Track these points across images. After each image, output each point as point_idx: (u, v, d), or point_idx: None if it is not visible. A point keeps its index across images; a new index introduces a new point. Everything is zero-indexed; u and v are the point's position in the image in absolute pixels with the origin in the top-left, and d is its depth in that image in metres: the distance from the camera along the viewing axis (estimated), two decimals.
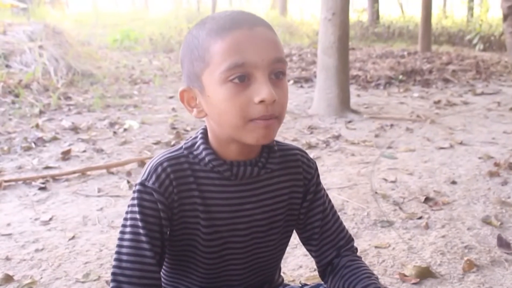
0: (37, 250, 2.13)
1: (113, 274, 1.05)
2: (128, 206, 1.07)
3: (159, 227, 1.05)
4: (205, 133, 1.11)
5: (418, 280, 1.90)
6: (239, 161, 1.08)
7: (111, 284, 1.05)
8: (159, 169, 1.05)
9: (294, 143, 3.69)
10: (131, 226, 1.05)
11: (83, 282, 1.89)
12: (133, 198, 1.06)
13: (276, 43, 1.01)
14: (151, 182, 1.04)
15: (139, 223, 1.04)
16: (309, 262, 2.02)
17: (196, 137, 1.11)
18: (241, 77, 0.96)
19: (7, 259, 2.06)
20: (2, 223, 2.39)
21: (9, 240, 2.23)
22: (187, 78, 1.05)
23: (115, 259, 1.05)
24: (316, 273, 1.92)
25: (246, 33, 0.97)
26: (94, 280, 1.89)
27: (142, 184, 1.05)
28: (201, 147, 1.08)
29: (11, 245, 2.18)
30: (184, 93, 1.07)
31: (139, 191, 1.05)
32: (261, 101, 0.96)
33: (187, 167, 1.08)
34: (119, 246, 1.06)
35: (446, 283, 1.90)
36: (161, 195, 1.04)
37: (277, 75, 1.00)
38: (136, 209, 1.05)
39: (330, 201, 1.24)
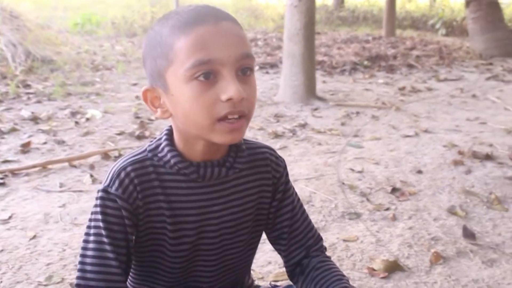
0: None
1: (77, 285, 1.01)
2: (91, 214, 1.03)
3: (124, 235, 1.01)
4: (169, 134, 1.07)
5: (386, 274, 1.90)
6: (206, 162, 1.04)
7: None
8: (122, 174, 1.01)
9: (261, 132, 3.68)
10: (95, 234, 1.01)
11: (45, 285, 1.82)
12: (96, 206, 1.02)
13: (242, 38, 0.96)
14: (114, 188, 1.00)
15: (103, 232, 1.00)
16: (278, 258, 2.00)
17: (160, 139, 1.07)
18: (206, 75, 0.92)
19: None
20: None
21: None
22: (150, 77, 1.01)
23: (79, 270, 1.01)
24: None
25: (211, 29, 0.92)
26: (58, 283, 1.83)
27: (104, 190, 1.01)
28: (166, 149, 1.04)
29: None
30: (147, 92, 1.02)
31: (101, 198, 1.01)
32: (229, 99, 0.92)
33: (151, 170, 1.04)
34: (82, 256, 1.02)
35: (414, 276, 1.91)
36: (125, 201, 1.00)
37: (244, 71, 0.96)
38: (99, 217, 1.00)
39: (299, 199, 1.22)
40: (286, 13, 4.60)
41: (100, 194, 1.01)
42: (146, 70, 1.02)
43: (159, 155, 1.05)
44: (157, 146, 1.06)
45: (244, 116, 0.96)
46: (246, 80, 0.96)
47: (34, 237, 2.17)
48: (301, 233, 1.19)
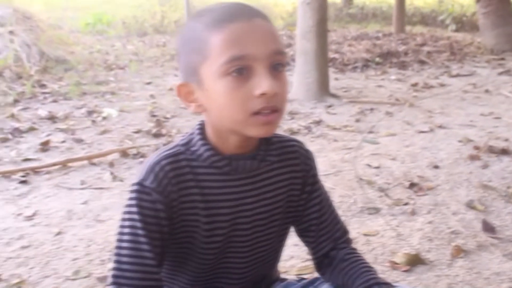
0: (23, 247, 2.09)
1: (113, 276, 1.03)
2: (126, 207, 1.05)
3: (159, 227, 1.03)
4: (202, 128, 1.09)
5: (408, 267, 1.92)
6: (238, 155, 1.07)
7: (111, 287, 1.03)
8: (157, 168, 1.03)
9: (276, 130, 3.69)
10: (130, 227, 1.03)
11: (73, 280, 1.86)
12: (130, 199, 1.04)
13: (275, 34, 0.99)
14: (149, 181, 1.02)
15: (138, 224, 1.02)
16: (300, 252, 2.02)
17: (192, 133, 1.09)
18: (240, 70, 0.94)
19: None
20: None
21: None
22: (184, 72, 1.03)
23: (115, 261, 1.03)
24: (308, 263, 1.94)
25: (245, 25, 0.95)
26: (85, 277, 1.87)
27: (140, 184, 1.03)
28: (199, 143, 1.06)
29: None
30: (181, 87, 1.04)
31: (137, 191, 1.03)
32: (262, 94, 0.94)
33: (185, 164, 1.06)
34: (118, 247, 1.04)
35: (436, 269, 1.93)
36: (160, 194, 1.02)
37: (276, 67, 0.98)
38: (135, 209, 1.02)
39: (326, 192, 1.24)
40: (299, 11, 4.61)
41: (135, 187, 1.03)
42: (180, 65, 1.05)
43: (192, 149, 1.07)
44: (190, 141, 1.08)
45: (277, 111, 0.98)
46: (278, 76, 0.98)
47: (58, 233, 2.21)
48: (329, 225, 1.21)
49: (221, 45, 0.94)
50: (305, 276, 1.37)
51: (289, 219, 1.21)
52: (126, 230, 1.03)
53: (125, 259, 1.02)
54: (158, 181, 1.02)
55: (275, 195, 1.14)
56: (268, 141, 1.12)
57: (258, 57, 0.94)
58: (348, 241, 1.24)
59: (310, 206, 1.20)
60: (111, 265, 1.88)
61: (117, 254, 1.03)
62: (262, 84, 0.94)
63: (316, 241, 1.21)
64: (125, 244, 1.03)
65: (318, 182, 1.22)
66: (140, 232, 1.02)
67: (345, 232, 1.24)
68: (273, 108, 0.97)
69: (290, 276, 1.62)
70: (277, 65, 0.98)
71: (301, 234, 1.24)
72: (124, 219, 1.04)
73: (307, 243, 1.24)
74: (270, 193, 1.13)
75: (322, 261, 1.22)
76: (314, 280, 1.26)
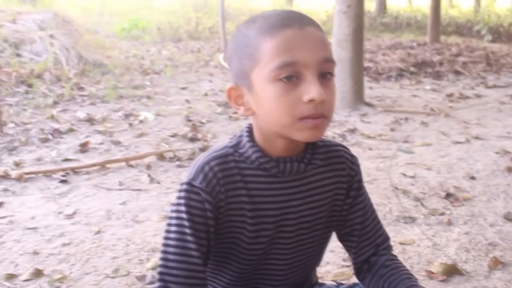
0: (64, 245, 2.15)
1: (159, 273, 1.05)
2: (174, 205, 1.07)
3: (205, 227, 1.05)
4: (250, 131, 1.10)
5: (445, 277, 1.91)
6: (285, 157, 1.08)
7: (158, 283, 1.05)
8: (206, 168, 1.05)
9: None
10: (177, 225, 1.05)
11: (113, 277, 1.90)
12: (179, 197, 1.06)
13: (325, 43, 1.00)
14: (198, 181, 1.04)
15: (186, 223, 1.04)
16: (336, 259, 2.03)
17: (241, 136, 1.11)
18: (290, 76, 0.96)
19: (35, 253, 2.08)
20: (27, 216, 2.41)
21: (35, 234, 2.24)
22: (235, 76, 1.05)
23: (161, 259, 1.06)
24: (344, 270, 1.95)
25: (297, 32, 0.97)
26: (124, 276, 1.91)
27: (189, 183, 1.05)
28: (247, 145, 1.08)
29: (38, 239, 2.20)
30: (231, 91, 1.06)
31: (186, 190, 1.05)
32: (310, 100, 0.96)
33: (233, 165, 1.08)
34: (165, 245, 1.06)
35: (473, 280, 1.91)
36: (209, 194, 1.04)
37: (325, 75, 0.99)
38: (183, 208, 1.04)
39: (369, 198, 1.25)
40: (335, 19, 4.63)
41: (184, 187, 1.05)
42: (231, 69, 1.07)
43: (240, 151, 1.09)
44: (238, 143, 1.10)
45: (324, 117, 1.00)
46: (326, 84, 0.99)
47: (98, 232, 2.26)
48: (371, 231, 1.22)
49: (273, 51, 0.96)
50: (342, 282, 1.38)
51: (333, 223, 1.22)
52: (174, 228, 1.06)
53: (171, 256, 1.04)
54: (207, 181, 1.04)
55: (321, 199, 1.15)
56: (315, 145, 1.13)
57: (308, 64, 0.96)
58: (389, 248, 1.25)
59: (354, 211, 1.21)
60: (150, 264, 1.93)
61: (164, 252, 1.06)
62: (311, 90, 0.96)
63: (358, 246, 1.22)
64: (172, 242, 1.05)
65: (362, 188, 1.23)
66: (187, 230, 1.04)
67: (386, 238, 1.25)
68: (320, 115, 0.98)
69: (328, 282, 1.63)
70: (326, 73, 0.99)
71: (343, 239, 1.25)
72: (171, 217, 1.07)
73: (348, 248, 1.25)
74: (315, 196, 1.14)
75: (362, 267, 1.23)
76: (353, 285, 1.27)
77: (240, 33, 1.04)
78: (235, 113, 3.58)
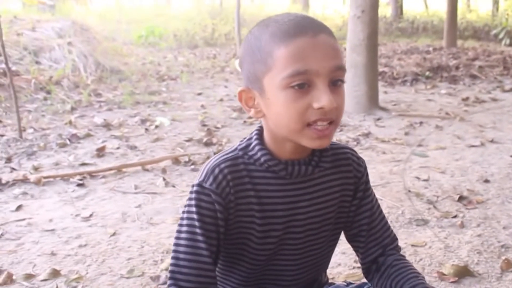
0: (80, 246, 2.20)
1: (170, 272, 1.08)
2: (185, 206, 1.11)
3: (216, 227, 1.09)
4: (259, 133, 1.13)
5: (456, 279, 1.91)
6: (293, 160, 1.11)
7: (169, 282, 1.09)
8: (217, 171, 1.09)
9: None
10: (188, 225, 1.09)
11: (127, 278, 1.94)
12: (190, 199, 1.09)
13: (337, 50, 1.02)
14: (208, 183, 1.08)
15: (196, 223, 1.07)
16: (347, 260, 2.05)
17: (250, 138, 1.14)
18: (302, 84, 0.98)
19: (53, 254, 2.13)
20: (45, 219, 2.46)
21: (52, 236, 2.30)
22: (247, 79, 1.08)
23: (173, 257, 1.09)
24: (355, 271, 1.97)
25: (310, 41, 0.99)
26: (139, 276, 1.95)
27: (200, 185, 1.09)
28: (257, 147, 1.11)
29: (55, 240, 2.25)
30: (242, 93, 1.09)
31: (197, 192, 1.09)
32: (320, 108, 0.99)
33: (243, 168, 1.11)
34: (176, 245, 1.09)
35: (485, 282, 1.91)
36: (219, 196, 1.08)
37: (335, 83, 1.02)
38: (194, 209, 1.08)
39: (377, 200, 1.27)
40: (349, 24, 4.64)
41: (195, 188, 1.09)
42: (243, 71, 1.10)
43: (250, 153, 1.12)
44: (248, 145, 1.14)
45: (332, 123, 1.03)
46: (336, 91, 1.02)
47: (114, 234, 2.31)
48: (379, 232, 1.24)
49: (286, 59, 0.98)
50: (352, 282, 1.39)
51: (340, 224, 1.24)
52: (184, 228, 1.09)
53: (182, 255, 1.08)
54: (217, 183, 1.08)
55: (328, 200, 1.17)
56: (323, 148, 1.16)
57: (320, 72, 0.99)
58: (397, 248, 1.27)
59: (361, 212, 1.23)
60: (164, 265, 1.97)
61: (175, 251, 1.09)
62: (321, 98, 0.98)
63: (366, 247, 1.24)
64: (182, 242, 1.08)
65: (369, 189, 1.25)
66: (197, 230, 1.07)
67: (394, 239, 1.27)
68: (329, 120, 1.01)
69: (338, 282, 1.64)
70: (337, 80, 1.02)
71: (351, 240, 1.27)
72: (183, 218, 1.10)
73: (356, 248, 1.27)
74: (323, 197, 1.16)
75: (370, 267, 1.25)
76: (362, 285, 1.29)
77: (253, 37, 1.06)
78: (250, 117, 3.61)
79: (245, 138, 1.17)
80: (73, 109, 4.68)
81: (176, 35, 10.31)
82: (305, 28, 1.00)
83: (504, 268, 1.99)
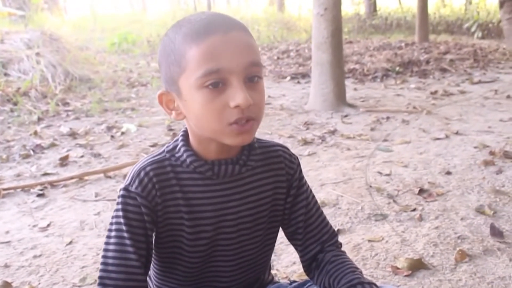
0: (35, 257, 2.16)
1: (99, 277, 1.07)
2: (114, 211, 1.10)
3: (144, 230, 1.07)
4: (185, 134, 1.13)
5: (410, 272, 1.92)
6: (220, 160, 1.10)
7: (98, 287, 1.07)
8: (142, 174, 1.08)
9: (290, 140, 3.73)
10: (116, 230, 1.08)
11: (80, 286, 1.92)
12: (117, 203, 1.09)
13: (251, 46, 1.01)
14: (134, 186, 1.07)
15: (123, 227, 1.06)
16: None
17: (177, 140, 1.13)
18: (216, 83, 0.97)
19: (6, 266, 2.09)
20: (1, 231, 2.43)
21: (7, 248, 2.26)
22: (165, 82, 1.07)
23: (102, 263, 1.08)
24: None
25: (221, 39, 0.97)
26: (91, 284, 1.93)
27: (125, 189, 1.08)
28: (182, 149, 1.10)
29: (10, 252, 2.22)
30: (162, 96, 1.08)
31: (123, 196, 1.08)
32: (237, 106, 0.98)
33: (169, 170, 1.10)
34: (105, 250, 1.08)
35: (438, 274, 1.92)
36: (144, 199, 1.07)
37: (252, 79, 1.01)
38: (120, 213, 1.07)
39: (313, 196, 1.26)
40: (313, 22, 4.65)
41: (121, 192, 1.08)
42: (161, 75, 1.09)
43: (176, 155, 1.11)
44: (174, 147, 1.13)
45: (253, 120, 1.02)
46: (254, 87, 1.01)
47: (70, 242, 2.28)
48: (316, 228, 1.23)
49: (198, 59, 0.97)
50: (296, 280, 1.39)
51: (276, 222, 1.23)
52: (113, 233, 1.08)
53: (111, 260, 1.06)
54: (142, 186, 1.07)
55: (260, 199, 1.16)
56: (251, 147, 1.15)
57: (234, 70, 0.97)
58: (337, 244, 1.26)
59: (296, 210, 1.22)
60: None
61: (104, 256, 1.08)
62: (236, 97, 0.97)
63: (304, 244, 1.23)
64: (111, 247, 1.07)
65: (303, 186, 1.24)
66: (125, 235, 1.06)
67: (333, 235, 1.26)
68: (248, 118, 1.00)
69: (282, 280, 1.64)
70: (253, 76, 1.01)
71: (290, 237, 1.26)
72: (111, 223, 1.09)
73: (295, 246, 1.26)
74: (254, 196, 1.15)
75: (310, 264, 1.24)
76: (305, 282, 1.28)
77: (168, 39, 1.04)
78: None
79: (172, 140, 1.16)
80: (39, 119, 4.62)
81: (149, 41, 10.27)
82: (215, 26, 0.99)
83: (458, 259, 2.00)
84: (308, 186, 1.26)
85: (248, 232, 1.17)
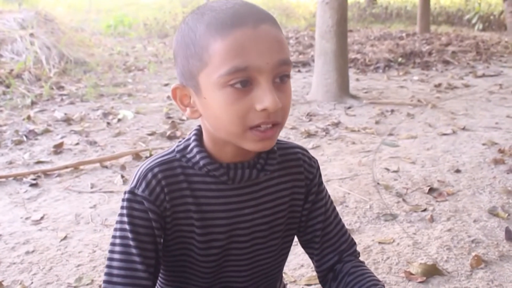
0: (27, 253, 2.05)
1: None
2: (118, 215, 1.00)
3: (151, 238, 0.98)
4: (198, 133, 1.02)
5: (424, 278, 1.83)
6: (236, 163, 0.99)
7: None
8: (149, 176, 0.97)
9: (293, 131, 3.61)
10: (121, 237, 0.98)
11: (75, 287, 1.81)
12: (122, 207, 0.98)
13: (281, 43, 0.89)
14: (140, 189, 0.96)
15: (129, 235, 0.97)
16: (310, 262, 1.93)
17: (189, 139, 1.02)
18: (242, 83, 0.86)
19: None
20: None
21: None
22: (181, 75, 0.95)
23: (106, 274, 0.98)
24: None
25: (250, 33, 0.85)
26: (87, 285, 1.82)
27: (131, 192, 0.97)
28: (195, 150, 0.99)
29: (1, 247, 2.11)
30: (176, 90, 0.96)
31: (128, 199, 0.97)
32: (264, 110, 0.87)
33: (180, 172, 0.99)
34: (109, 259, 0.98)
35: (454, 280, 1.82)
36: (152, 203, 0.96)
37: (281, 79, 0.90)
38: (126, 219, 0.97)
39: (332, 202, 1.17)
40: (318, 10, 4.52)
41: (126, 195, 0.98)
42: (177, 67, 0.96)
43: (188, 156, 1.00)
44: (186, 147, 1.02)
45: (277, 125, 0.91)
46: (282, 88, 0.90)
47: (65, 238, 2.17)
48: (334, 237, 1.14)
49: (223, 54, 0.85)
50: (307, 285, 1.29)
51: (292, 230, 1.14)
52: (118, 240, 0.98)
53: (115, 271, 0.97)
54: (150, 190, 0.97)
55: (276, 205, 1.07)
56: (270, 150, 1.04)
57: (262, 69, 0.86)
58: (355, 254, 1.16)
59: (313, 217, 1.13)
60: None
61: (108, 266, 0.98)
62: (264, 99, 0.86)
63: (321, 254, 1.14)
64: (116, 256, 0.97)
65: (322, 192, 1.14)
66: (131, 243, 0.96)
67: (351, 244, 1.16)
68: (273, 122, 0.89)
69: (296, 287, 1.54)
70: (283, 76, 0.90)
71: (305, 246, 1.17)
72: (116, 229, 1.00)
73: (311, 255, 1.17)
74: (270, 203, 1.06)
75: (326, 275, 1.15)
76: None
77: (187, 27, 0.92)
78: None
79: (183, 139, 1.05)
80: (33, 103, 4.48)
81: (146, 24, 10.09)
82: (244, 18, 0.86)
83: (474, 265, 1.90)
84: (327, 191, 1.16)
85: (263, 241, 1.07)
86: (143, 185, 0.97)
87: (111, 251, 0.98)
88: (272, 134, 0.91)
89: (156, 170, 0.98)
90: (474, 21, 10.92)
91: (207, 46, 0.87)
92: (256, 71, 0.86)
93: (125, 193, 0.99)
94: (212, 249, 1.03)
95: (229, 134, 0.91)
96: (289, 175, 1.08)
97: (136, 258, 0.96)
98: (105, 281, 0.97)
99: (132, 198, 0.97)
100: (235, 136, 0.91)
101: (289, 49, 0.93)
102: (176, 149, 1.02)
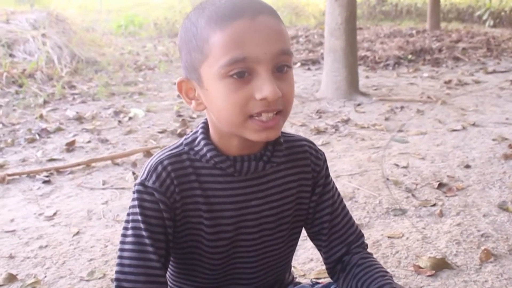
0: (41, 247, 2.08)
1: (116, 280, 1.00)
2: (129, 208, 1.02)
3: (163, 228, 1.00)
4: (205, 127, 1.05)
5: (433, 272, 1.83)
6: (243, 155, 1.02)
7: None
8: (159, 168, 1.00)
9: (303, 128, 3.63)
10: (133, 228, 1.00)
11: (87, 281, 1.84)
12: (133, 199, 1.01)
13: (280, 33, 0.92)
14: (151, 181, 0.99)
15: (141, 225, 0.99)
16: (320, 255, 1.95)
17: (196, 132, 1.05)
18: (241, 73, 0.89)
19: (11, 257, 2.01)
20: (6, 219, 2.34)
21: (12, 237, 2.18)
22: (185, 69, 0.98)
23: (118, 264, 1.00)
24: None
25: (248, 24, 0.88)
26: (99, 278, 1.84)
27: (142, 184, 1.00)
28: (202, 142, 1.02)
29: (15, 242, 2.14)
30: (182, 83, 1.00)
31: (139, 191, 1.00)
32: (263, 99, 0.89)
33: (188, 164, 1.02)
34: (121, 250, 1.01)
35: (463, 274, 1.83)
36: (163, 194, 0.99)
37: (281, 69, 0.92)
38: (137, 210, 0.99)
39: (339, 194, 1.18)
40: (327, 8, 4.53)
41: (137, 187, 1.00)
42: (182, 61, 1.00)
43: (196, 148, 1.03)
44: (194, 140, 1.04)
45: (280, 113, 0.93)
46: (282, 77, 0.93)
47: (77, 233, 2.20)
48: (342, 229, 1.15)
49: (222, 46, 0.88)
50: (320, 281, 1.31)
51: (300, 222, 1.16)
52: (130, 231, 1.00)
53: (127, 261, 0.99)
54: (160, 181, 0.99)
55: (283, 197, 1.08)
56: (276, 142, 1.06)
57: (261, 59, 0.89)
58: (363, 246, 1.18)
59: (321, 209, 1.14)
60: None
61: (120, 257, 1.00)
62: (263, 88, 0.89)
63: (328, 245, 1.16)
64: (127, 246, 1.00)
65: (330, 184, 1.16)
66: (143, 233, 0.99)
67: (359, 236, 1.18)
68: (274, 111, 0.91)
69: (305, 280, 1.55)
70: (282, 66, 0.92)
71: (313, 238, 1.19)
72: (127, 220, 1.02)
73: (319, 247, 1.19)
74: (277, 195, 1.07)
75: (335, 266, 1.17)
76: (328, 284, 1.21)
77: (189, 22, 0.95)
78: None
79: (191, 132, 1.07)
80: (45, 102, 4.53)
81: (156, 23, 10.13)
82: (242, 10, 0.89)
83: (484, 259, 1.91)
84: (334, 183, 1.17)
85: (270, 233, 1.09)
86: (154, 177, 0.99)
87: (123, 242, 1.00)
88: (275, 123, 0.93)
89: (166, 162, 1.00)
90: (485, 17, 10.85)
91: (207, 38, 0.90)
92: (254, 61, 0.88)
93: (135, 185, 1.01)
94: (221, 240, 1.05)
95: (231, 124, 0.94)
96: (296, 168, 1.10)
97: (149, 248, 0.98)
98: (117, 272, 0.99)
99: (143, 189, 0.99)
100: (236, 126, 0.93)
101: (289, 40, 0.95)
102: (184, 142, 1.05)
